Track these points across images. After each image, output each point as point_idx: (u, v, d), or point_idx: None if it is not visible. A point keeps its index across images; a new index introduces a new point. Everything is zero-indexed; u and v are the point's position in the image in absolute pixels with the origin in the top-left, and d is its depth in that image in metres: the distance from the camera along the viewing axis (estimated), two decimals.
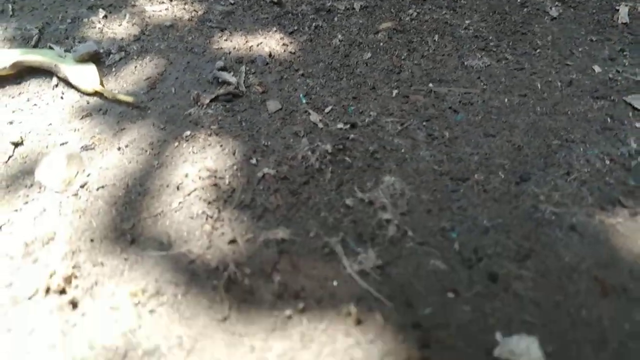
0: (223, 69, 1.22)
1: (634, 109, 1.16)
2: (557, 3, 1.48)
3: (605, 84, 1.23)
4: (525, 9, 1.47)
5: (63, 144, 1.11)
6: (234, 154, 1.06)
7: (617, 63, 1.29)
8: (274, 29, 1.40)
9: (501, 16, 1.45)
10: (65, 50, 1.30)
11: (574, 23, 1.41)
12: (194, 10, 1.47)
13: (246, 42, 1.34)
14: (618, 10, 1.45)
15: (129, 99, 1.16)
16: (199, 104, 1.15)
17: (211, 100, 1.16)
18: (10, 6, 1.48)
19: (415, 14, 1.45)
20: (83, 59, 1.24)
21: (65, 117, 1.16)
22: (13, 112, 1.19)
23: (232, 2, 1.50)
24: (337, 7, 1.48)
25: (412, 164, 1.04)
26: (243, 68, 1.24)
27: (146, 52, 1.31)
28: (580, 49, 1.33)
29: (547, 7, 1.47)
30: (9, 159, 1.10)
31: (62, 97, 1.21)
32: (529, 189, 1.00)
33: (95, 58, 1.26)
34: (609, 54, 1.31)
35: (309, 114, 1.15)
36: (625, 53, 1.31)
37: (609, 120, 1.14)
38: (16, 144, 1.12)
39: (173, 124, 1.13)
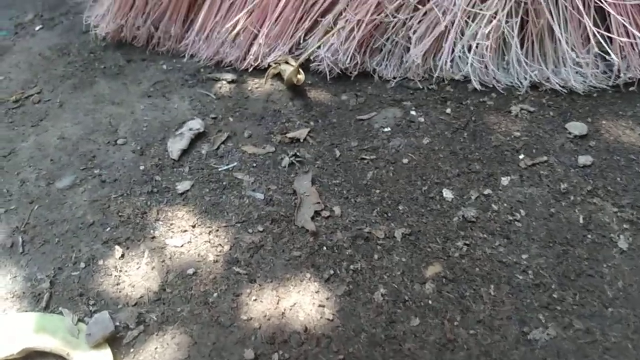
0: None
1: None
2: (625, 225, 1.32)
3: None
4: (589, 235, 1.31)
5: None
6: None
7: None
8: (308, 275, 1.26)
9: (562, 247, 1.28)
10: (79, 320, 1.17)
11: None
12: (219, 243, 1.33)
13: (278, 302, 1.20)
14: None
15: None
16: None
17: None
18: (20, 239, 1.37)
19: (464, 247, 1.29)
20: (98, 344, 1.11)
21: None
22: None
23: (261, 229, 1.36)
24: (376, 234, 1.33)
25: None
26: (276, 357, 1.10)
27: (167, 322, 1.17)
28: None
29: (614, 231, 1.31)
30: None
31: None
32: None
33: (111, 338, 1.13)
34: None
35: None
36: None
37: None
38: None
39: None
